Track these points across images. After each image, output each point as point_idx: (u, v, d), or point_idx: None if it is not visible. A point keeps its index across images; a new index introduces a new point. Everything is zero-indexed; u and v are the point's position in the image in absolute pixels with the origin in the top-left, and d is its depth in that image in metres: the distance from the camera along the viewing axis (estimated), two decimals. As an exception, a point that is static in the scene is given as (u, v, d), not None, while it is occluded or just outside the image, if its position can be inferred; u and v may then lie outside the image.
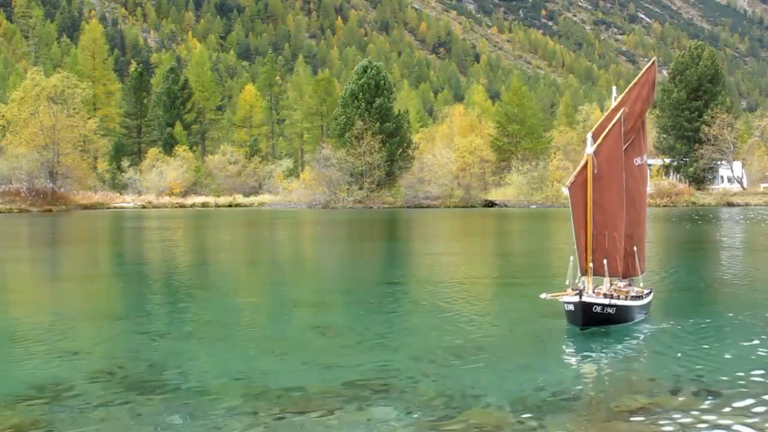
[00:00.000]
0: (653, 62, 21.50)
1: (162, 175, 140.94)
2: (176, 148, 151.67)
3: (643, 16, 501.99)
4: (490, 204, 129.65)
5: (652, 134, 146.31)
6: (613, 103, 21.34)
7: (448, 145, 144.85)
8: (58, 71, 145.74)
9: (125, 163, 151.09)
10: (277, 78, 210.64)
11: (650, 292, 22.17)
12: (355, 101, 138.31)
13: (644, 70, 21.49)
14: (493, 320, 22.88)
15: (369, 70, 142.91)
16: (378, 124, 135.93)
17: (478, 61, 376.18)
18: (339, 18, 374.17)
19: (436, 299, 26.15)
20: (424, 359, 17.08)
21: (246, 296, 28.66)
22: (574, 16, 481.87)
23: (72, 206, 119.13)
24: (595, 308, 20.26)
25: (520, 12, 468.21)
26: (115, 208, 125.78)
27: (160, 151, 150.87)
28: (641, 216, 22.29)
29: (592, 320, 20.30)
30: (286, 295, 28.58)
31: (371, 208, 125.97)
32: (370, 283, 32.59)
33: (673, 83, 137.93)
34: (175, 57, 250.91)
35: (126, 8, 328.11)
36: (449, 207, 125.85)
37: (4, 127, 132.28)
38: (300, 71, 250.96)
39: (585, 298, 20.34)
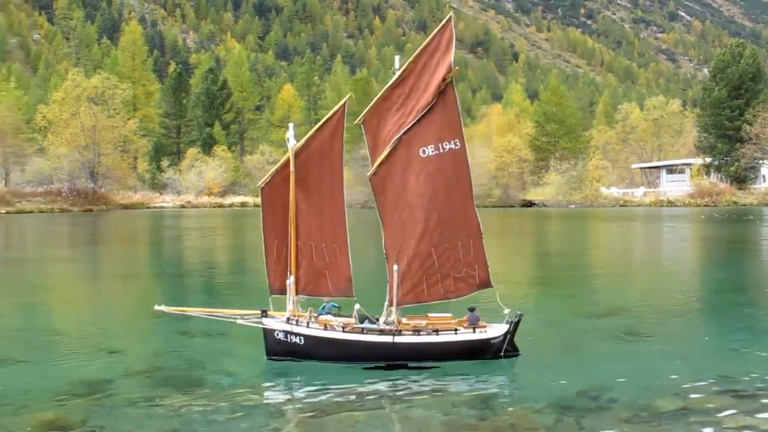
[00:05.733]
0: (449, 19, 17.22)
1: (201, 175, 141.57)
2: (215, 148, 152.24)
3: (683, 13, 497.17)
4: (529, 204, 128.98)
5: (692, 134, 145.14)
6: (394, 77, 17.32)
7: (487, 145, 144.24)
8: (98, 72, 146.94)
9: (164, 163, 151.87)
10: (315, 78, 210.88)
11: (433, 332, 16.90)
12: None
13: (434, 32, 17.22)
14: (530, 319, 22.77)
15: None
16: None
17: (516, 60, 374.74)
18: (377, 18, 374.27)
19: (473, 299, 26.05)
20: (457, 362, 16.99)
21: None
22: (613, 14, 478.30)
23: (112, 206, 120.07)
24: (278, 335, 17.28)
25: (559, 11, 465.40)
26: (154, 207, 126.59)
27: (199, 151, 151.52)
28: (425, 223, 17.33)
29: (277, 351, 17.35)
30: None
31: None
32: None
33: (714, 81, 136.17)
34: (213, 57, 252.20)
35: (165, 9, 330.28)
36: (487, 207, 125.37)
37: (45, 127, 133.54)
38: (338, 71, 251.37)
39: (269, 323, 17.39)
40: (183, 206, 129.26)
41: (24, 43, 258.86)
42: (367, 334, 16.76)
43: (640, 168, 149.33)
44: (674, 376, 15.62)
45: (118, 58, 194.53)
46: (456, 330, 16.77)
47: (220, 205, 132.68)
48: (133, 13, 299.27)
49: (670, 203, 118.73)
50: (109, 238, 65.86)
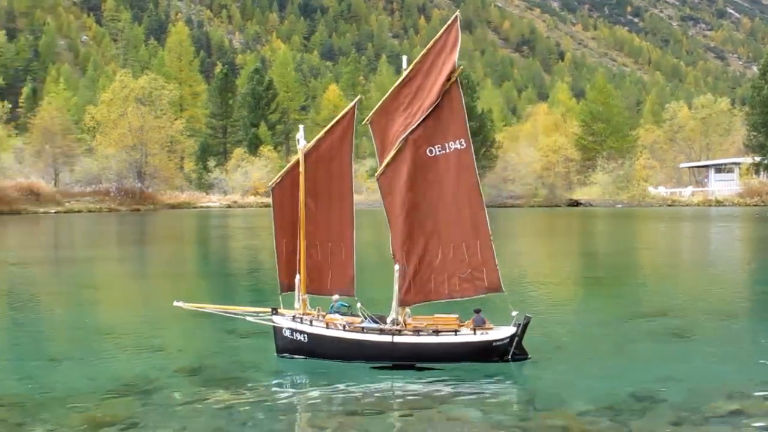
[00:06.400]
0: (455, 19, 17.28)
1: (247, 174, 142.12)
2: (261, 148, 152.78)
3: (732, 11, 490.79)
4: (575, 203, 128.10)
5: (741, 132, 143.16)
6: (401, 77, 17.50)
7: (532, 144, 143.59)
8: (145, 73, 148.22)
9: (211, 163, 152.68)
10: (360, 78, 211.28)
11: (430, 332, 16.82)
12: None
13: (440, 32, 17.31)
14: (574, 321, 22.59)
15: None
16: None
17: (562, 59, 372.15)
18: (422, 17, 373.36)
19: (520, 299, 25.92)
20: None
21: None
22: (661, 12, 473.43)
23: (159, 206, 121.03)
24: (286, 332, 17.62)
25: (605, 9, 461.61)
26: (200, 207, 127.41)
27: (245, 151, 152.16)
28: (443, 223, 17.36)
29: (285, 348, 17.71)
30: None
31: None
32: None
33: (764, 79, 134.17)
34: (259, 58, 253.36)
35: (211, 10, 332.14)
36: (533, 206, 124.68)
37: (94, 128, 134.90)
38: (383, 71, 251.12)
39: (278, 320, 17.79)
40: (229, 206, 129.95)
41: (73, 44, 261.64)
42: (367, 333, 16.84)
43: (688, 167, 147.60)
44: (724, 379, 15.42)
45: (165, 59, 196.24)
46: (456, 331, 16.61)
47: (267, 205, 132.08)
48: (179, 14, 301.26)
49: (719, 203, 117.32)
50: (157, 237, 66.42)
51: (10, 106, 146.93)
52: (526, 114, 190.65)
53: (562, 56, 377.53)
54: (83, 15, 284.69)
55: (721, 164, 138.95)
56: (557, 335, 20.00)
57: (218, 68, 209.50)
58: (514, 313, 16.62)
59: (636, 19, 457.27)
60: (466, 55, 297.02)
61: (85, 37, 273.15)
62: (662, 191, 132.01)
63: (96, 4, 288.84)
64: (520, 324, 16.57)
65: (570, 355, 17.34)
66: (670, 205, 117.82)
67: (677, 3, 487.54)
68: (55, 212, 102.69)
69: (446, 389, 14.98)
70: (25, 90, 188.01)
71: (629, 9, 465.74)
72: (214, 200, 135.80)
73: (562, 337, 19.65)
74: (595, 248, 51.57)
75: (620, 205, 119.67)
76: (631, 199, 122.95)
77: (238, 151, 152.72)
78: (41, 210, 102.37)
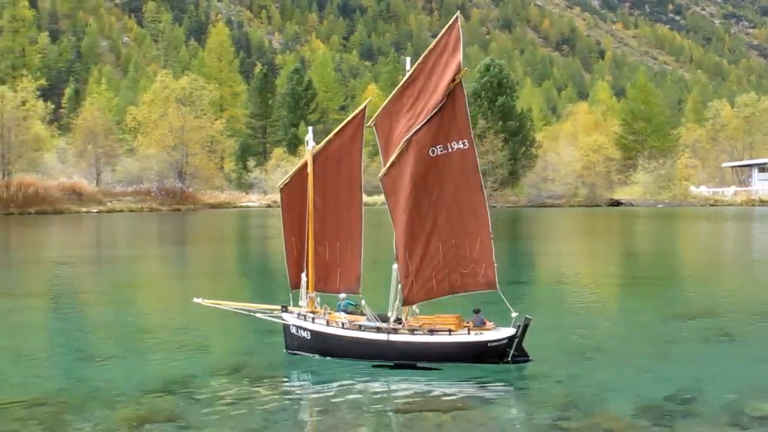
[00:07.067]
0: (455, 20, 17.06)
1: (286, 174, 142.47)
2: (300, 147, 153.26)
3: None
4: (616, 203, 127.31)
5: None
6: (404, 79, 17.36)
7: (572, 144, 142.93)
8: (186, 74, 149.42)
9: (251, 163, 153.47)
10: (400, 77, 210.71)
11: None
12: (478, 100, 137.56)
13: (441, 33, 17.01)
14: (617, 321, 22.42)
15: (491, 68, 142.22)
16: (500, 122, 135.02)
17: (602, 58, 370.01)
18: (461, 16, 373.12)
19: (560, 299, 25.75)
20: (546, 360, 16.80)
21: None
22: (703, 10, 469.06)
23: (200, 205, 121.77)
24: (292, 329, 17.94)
25: (646, 7, 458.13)
26: (240, 207, 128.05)
27: (284, 151, 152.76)
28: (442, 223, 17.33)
29: (292, 345, 18.06)
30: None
31: (494, 207, 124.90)
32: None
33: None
34: (299, 58, 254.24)
35: (251, 11, 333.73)
36: (573, 206, 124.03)
37: (135, 128, 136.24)
38: (469, 68, 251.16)
39: (288, 318, 18.15)
40: (269, 206, 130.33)
41: (114, 46, 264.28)
42: (364, 331, 16.91)
43: (731, 166, 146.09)
44: (766, 381, 15.22)
45: (205, 59, 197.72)
46: (450, 331, 16.50)
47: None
48: (219, 15, 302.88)
49: (762, 202, 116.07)
50: (197, 237, 66.82)
51: (53, 106, 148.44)
52: (566, 113, 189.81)
53: (602, 55, 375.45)
54: (125, 16, 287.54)
55: (765, 163, 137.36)
56: (598, 336, 19.85)
57: (258, 68, 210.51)
58: (513, 315, 16.37)
59: (677, 17, 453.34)
60: (505, 54, 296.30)
61: (126, 38, 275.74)
62: (704, 191, 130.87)
63: (137, 6, 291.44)
64: (519, 325, 16.32)
65: (608, 356, 17.18)
66: (712, 205, 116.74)
67: (719, 1, 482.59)
68: (97, 212, 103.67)
69: (468, 390, 14.94)
70: (68, 91, 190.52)
71: (670, 7, 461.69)
72: (253, 200, 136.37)
73: (602, 339, 19.49)
74: (636, 248, 51.18)
75: (661, 205, 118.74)
76: (672, 199, 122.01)
77: (278, 151, 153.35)
78: (83, 209, 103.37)
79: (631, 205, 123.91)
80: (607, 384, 15.05)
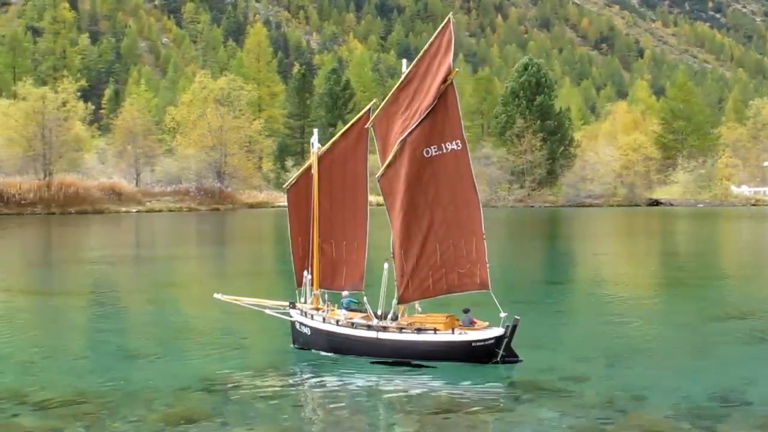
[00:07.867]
0: (448, 21, 17.31)
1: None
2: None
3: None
4: (655, 203, 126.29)
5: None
6: (400, 81, 17.68)
7: (611, 143, 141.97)
8: (224, 74, 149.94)
9: (289, 162, 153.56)
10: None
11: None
12: (516, 99, 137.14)
13: (434, 35, 17.19)
14: (657, 322, 22.23)
15: (529, 67, 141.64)
16: (539, 121, 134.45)
17: (641, 57, 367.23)
18: (499, 16, 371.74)
19: (599, 300, 25.60)
20: (586, 360, 16.72)
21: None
22: (744, 7, 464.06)
23: (238, 205, 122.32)
24: (296, 325, 18.60)
25: (686, 5, 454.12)
26: (278, 206, 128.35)
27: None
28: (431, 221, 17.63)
29: (297, 340, 18.70)
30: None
31: (532, 207, 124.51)
32: (533, 282, 32.17)
33: None
34: (336, 58, 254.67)
35: (289, 11, 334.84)
36: (612, 206, 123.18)
37: (174, 128, 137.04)
38: (460, 70, 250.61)
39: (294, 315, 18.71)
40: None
41: (153, 46, 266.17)
42: (356, 328, 17.36)
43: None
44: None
45: (243, 60, 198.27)
46: (435, 330, 16.74)
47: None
48: (257, 15, 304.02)
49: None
50: (236, 236, 67.15)
51: (93, 107, 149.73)
52: (605, 112, 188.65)
53: (641, 53, 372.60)
54: (164, 17, 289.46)
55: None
56: (638, 337, 19.69)
57: (296, 69, 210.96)
58: (502, 315, 16.43)
59: (718, 15, 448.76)
60: (543, 53, 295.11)
61: (165, 39, 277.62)
62: (745, 190, 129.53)
63: (176, 7, 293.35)
64: (508, 326, 16.39)
65: (646, 357, 17.03)
66: (753, 205, 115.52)
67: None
68: (136, 211, 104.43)
69: (468, 390, 14.95)
70: (108, 91, 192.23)
71: (710, 5, 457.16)
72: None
73: (642, 340, 19.34)
74: (675, 249, 50.76)
75: (702, 205, 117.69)
76: (713, 199, 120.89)
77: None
78: (123, 209, 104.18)
79: (671, 204, 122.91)
80: (646, 384, 14.92)
